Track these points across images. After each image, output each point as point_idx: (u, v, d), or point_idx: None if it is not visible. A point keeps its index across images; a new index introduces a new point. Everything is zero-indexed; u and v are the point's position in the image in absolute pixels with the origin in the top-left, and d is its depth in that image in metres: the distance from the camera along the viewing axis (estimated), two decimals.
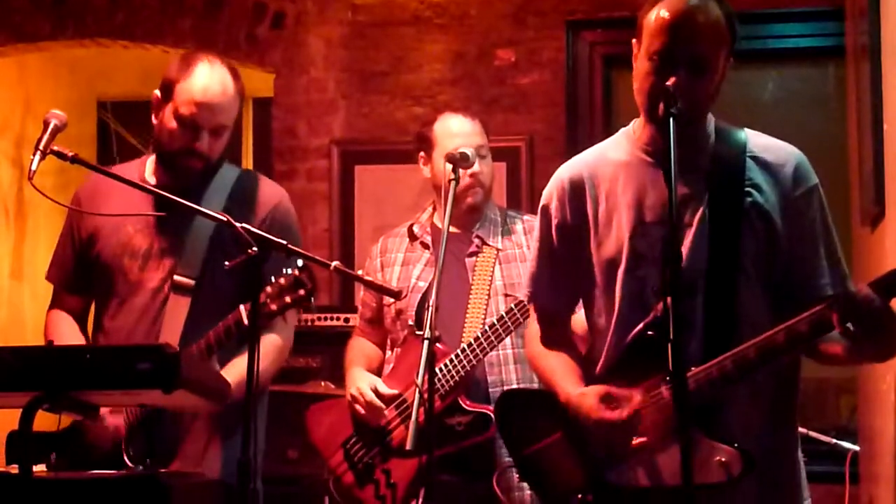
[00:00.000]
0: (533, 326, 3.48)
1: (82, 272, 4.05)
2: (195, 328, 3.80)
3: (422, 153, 4.67)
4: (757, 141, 3.24)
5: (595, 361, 3.29)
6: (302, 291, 3.52)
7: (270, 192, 4.07)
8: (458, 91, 6.69)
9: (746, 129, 3.27)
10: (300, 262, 3.52)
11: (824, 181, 3.23)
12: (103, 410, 3.80)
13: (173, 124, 3.88)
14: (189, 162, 3.88)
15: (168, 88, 3.90)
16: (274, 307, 3.52)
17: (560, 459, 3.31)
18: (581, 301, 3.40)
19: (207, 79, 3.88)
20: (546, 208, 3.37)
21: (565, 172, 3.36)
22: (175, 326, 3.84)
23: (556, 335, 3.44)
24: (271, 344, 3.90)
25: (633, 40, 3.18)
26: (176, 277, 3.89)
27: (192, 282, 3.89)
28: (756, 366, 3.00)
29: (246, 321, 3.60)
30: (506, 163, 6.33)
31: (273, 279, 3.53)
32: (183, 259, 3.91)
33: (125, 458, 3.80)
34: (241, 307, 3.63)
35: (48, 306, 4.15)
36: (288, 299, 3.52)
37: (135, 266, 3.94)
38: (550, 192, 3.37)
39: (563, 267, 3.36)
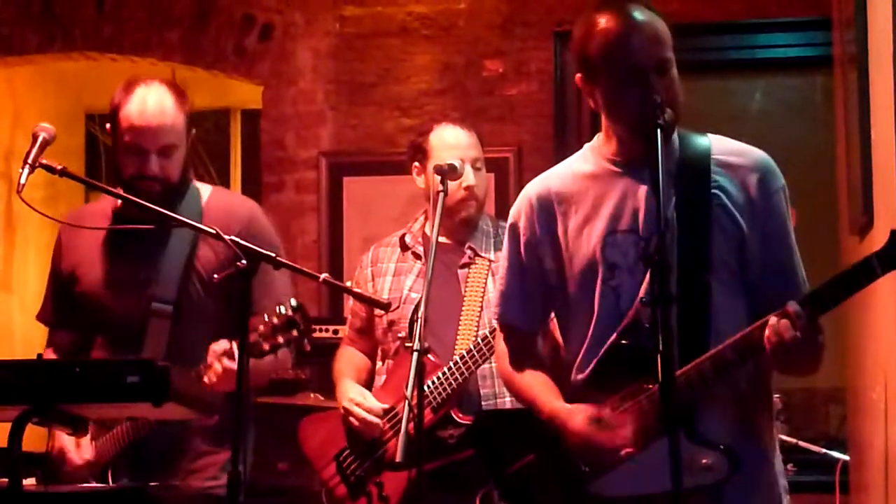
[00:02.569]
0: (501, 345, 3.46)
1: (68, 308, 4.07)
2: (177, 351, 3.80)
3: (416, 163, 4.64)
4: (721, 145, 3.26)
5: (567, 372, 3.28)
6: (295, 332, 3.52)
7: (241, 207, 4.07)
8: (446, 102, 6.69)
9: (710, 135, 3.29)
10: (294, 302, 3.53)
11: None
12: (68, 446, 3.84)
13: (122, 152, 3.89)
14: (145, 186, 3.85)
15: (113, 118, 3.91)
16: (266, 346, 3.52)
17: (540, 477, 3.29)
18: (553, 317, 3.41)
19: (142, 102, 3.86)
20: (514, 227, 3.37)
21: (532, 190, 3.36)
22: (156, 351, 3.84)
23: (525, 355, 3.41)
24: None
25: (579, 75, 3.21)
26: (154, 304, 3.90)
27: (169, 307, 3.90)
28: (734, 364, 3.02)
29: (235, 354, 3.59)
30: (494, 174, 6.32)
31: (266, 317, 3.53)
32: (160, 285, 3.91)
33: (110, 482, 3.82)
34: (233, 344, 3.62)
35: (44, 346, 4.16)
36: (280, 339, 3.52)
37: (113, 297, 3.96)
38: (518, 211, 3.37)
39: (534, 284, 3.35)
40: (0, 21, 7.15)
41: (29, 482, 3.70)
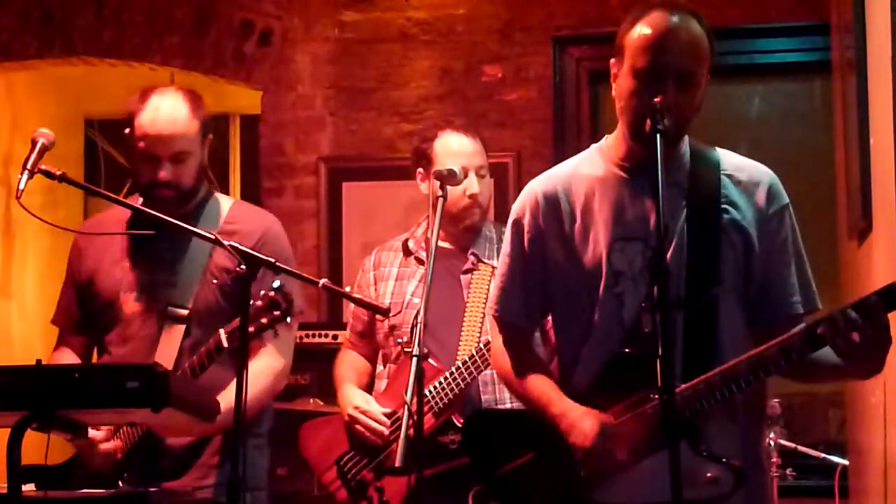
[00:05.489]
0: (497, 341, 3.44)
1: (85, 314, 4.11)
2: (189, 355, 3.83)
3: (420, 169, 4.63)
4: (730, 160, 3.27)
5: (563, 376, 3.28)
6: (277, 312, 3.56)
7: (259, 220, 4.12)
8: (445, 107, 6.69)
9: (718, 149, 3.30)
10: (276, 283, 3.56)
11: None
12: (97, 436, 3.83)
13: (137, 160, 3.94)
14: (159, 193, 3.92)
15: (130, 125, 3.95)
16: (251, 329, 3.55)
17: (535, 479, 3.27)
18: (550, 317, 3.39)
19: (155, 111, 3.91)
20: (518, 222, 3.35)
21: (538, 186, 3.34)
22: (169, 355, 3.87)
23: (523, 353, 3.40)
24: (266, 368, 3.93)
25: (613, 59, 3.20)
26: (170, 308, 3.94)
27: (185, 311, 3.94)
28: (746, 380, 3.00)
29: (225, 343, 3.67)
30: (493, 179, 6.31)
31: (251, 302, 3.56)
32: (177, 290, 3.96)
33: (121, 484, 3.82)
34: (221, 330, 3.69)
35: (53, 347, 4.20)
36: (264, 320, 3.57)
37: (130, 300, 4.00)
38: (523, 206, 3.35)
39: (534, 281, 3.33)
40: None
41: (28, 488, 3.69)
